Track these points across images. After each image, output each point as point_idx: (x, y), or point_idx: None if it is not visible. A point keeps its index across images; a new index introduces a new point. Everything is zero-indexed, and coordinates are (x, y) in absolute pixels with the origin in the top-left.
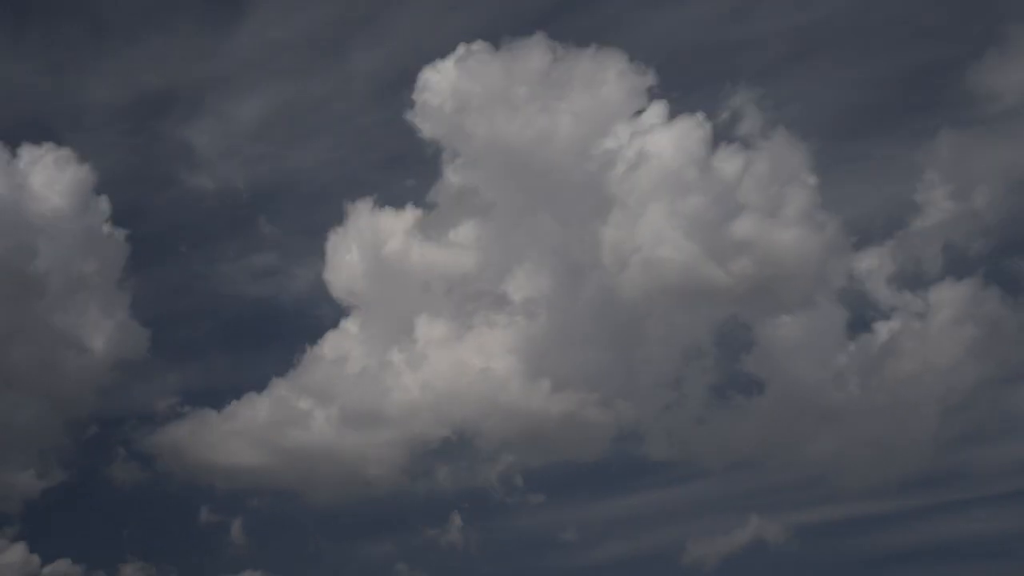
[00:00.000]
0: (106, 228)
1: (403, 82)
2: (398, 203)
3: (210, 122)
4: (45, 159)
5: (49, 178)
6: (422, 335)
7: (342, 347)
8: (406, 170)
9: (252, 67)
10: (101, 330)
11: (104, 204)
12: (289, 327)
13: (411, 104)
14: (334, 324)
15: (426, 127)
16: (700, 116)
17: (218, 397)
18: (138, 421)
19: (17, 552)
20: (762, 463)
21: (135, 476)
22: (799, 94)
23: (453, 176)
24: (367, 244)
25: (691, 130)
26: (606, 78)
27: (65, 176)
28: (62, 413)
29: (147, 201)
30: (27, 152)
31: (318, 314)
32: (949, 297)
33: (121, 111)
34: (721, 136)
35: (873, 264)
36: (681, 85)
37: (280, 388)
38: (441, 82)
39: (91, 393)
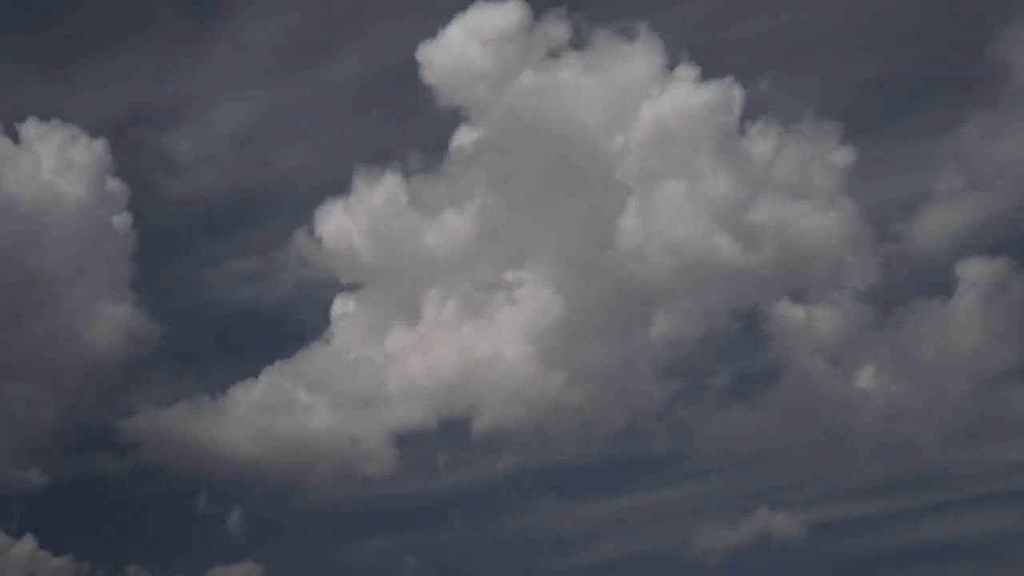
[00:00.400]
0: (117, 220)
1: (384, 82)
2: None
3: (190, 128)
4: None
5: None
6: (426, 321)
7: (342, 336)
8: (402, 158)
9: (232, 72)
10: (104, 323)
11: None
12: (285, 324)
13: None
14: (330, 317)
15: (427, 106)
16: (722, 97)
17: (217, 387)
18: (136, 414)
19: (23, 546)
20: (771, 458)
21: (132, 468)
22: (822, 78)
23: (456, 157)
24: (369, 223)
25: (711, 112)
26: (627, 53)
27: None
28: (57, 406)
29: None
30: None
31: (315, 308)
32: (974, 282)
33: (100, 117)
34: (744, 118)
35: (893, 252)
36: (701, 66)
37: (279, 379)
38: (444, 58)
39: (91, 387)
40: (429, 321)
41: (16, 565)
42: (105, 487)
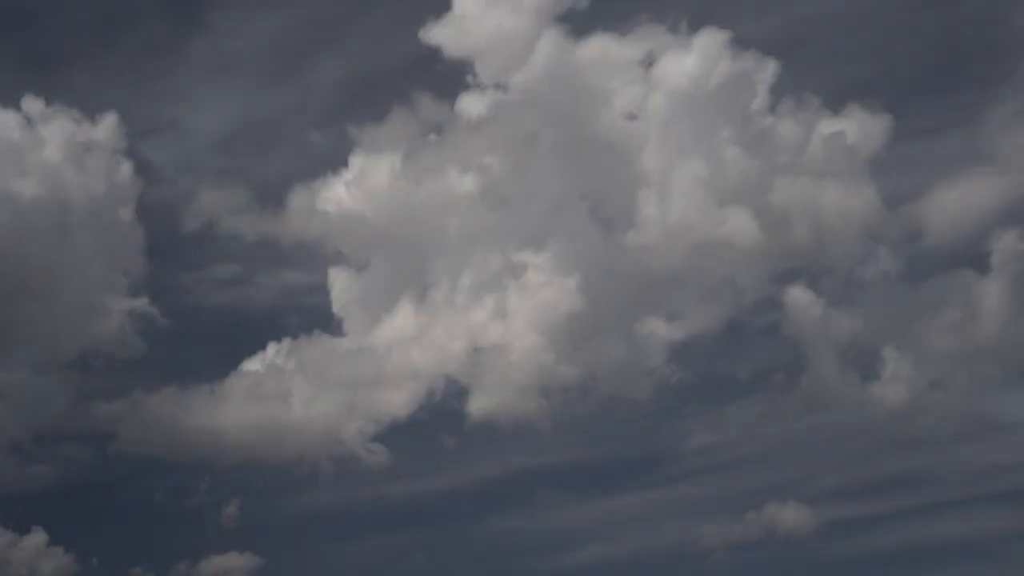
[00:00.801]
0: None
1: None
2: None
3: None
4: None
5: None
6: (427, 305)
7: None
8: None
9: (213, 77)
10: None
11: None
12: (281, 314)
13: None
14: (329, 304)
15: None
16: (747, 74)
17: (216, 378)
18: (134, 407)
19: (31, 539)
20: (781, 453)
21: (131, 461)
22: (848, 56)
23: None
24: (370, 205)
25: (735, 89)
26: (650, 26)
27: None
28: (60, 400)
29: None
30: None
31: (312, 297)
32: (1005, 261)
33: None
34: (768, 96)
35: (917, 234)
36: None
37: (277, 368)
38: (454, 32)
39: (90, 380)
40: (431, 305)
41: (25, 558)
42: (105, 480)
